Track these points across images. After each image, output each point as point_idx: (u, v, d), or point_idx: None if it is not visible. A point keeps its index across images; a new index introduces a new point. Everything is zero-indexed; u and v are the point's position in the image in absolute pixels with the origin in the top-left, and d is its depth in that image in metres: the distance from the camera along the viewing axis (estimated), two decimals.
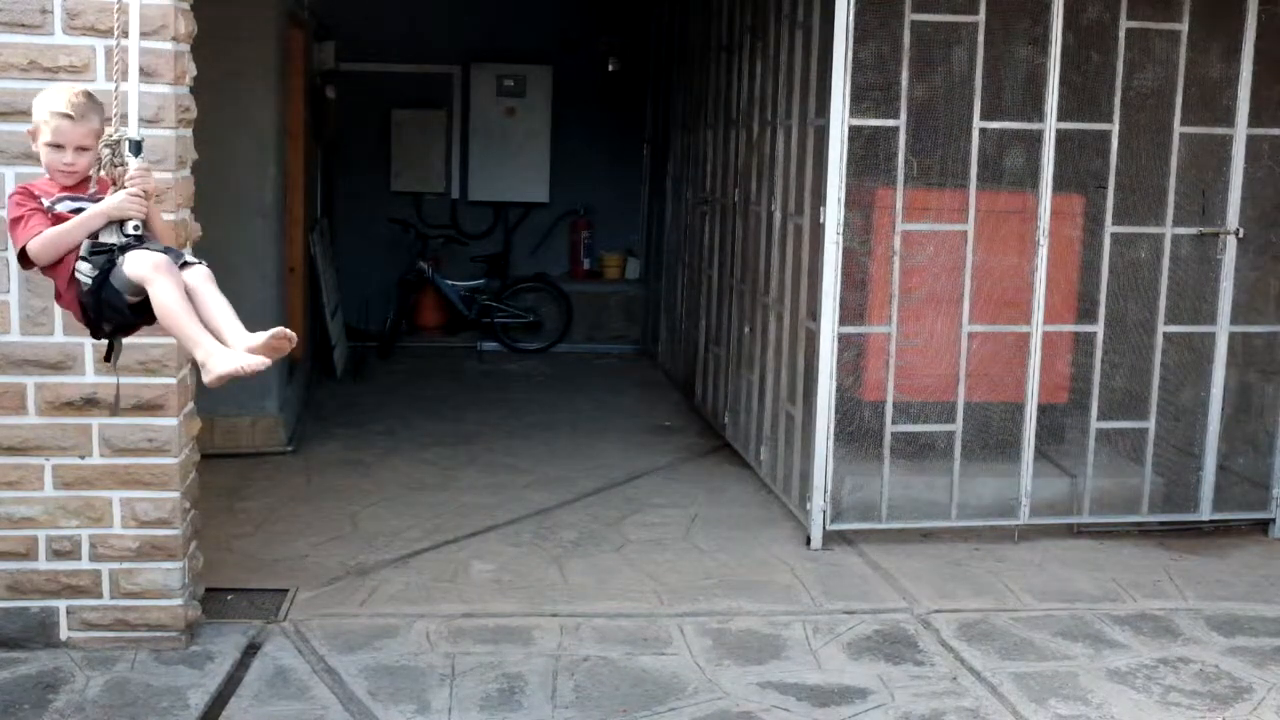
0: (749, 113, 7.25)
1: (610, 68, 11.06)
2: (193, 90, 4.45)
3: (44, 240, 3.19)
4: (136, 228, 3.19)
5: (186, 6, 4.33)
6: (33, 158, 4.13)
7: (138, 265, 3.12)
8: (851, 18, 5.44)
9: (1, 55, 4.14)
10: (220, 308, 3.19)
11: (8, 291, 4.27)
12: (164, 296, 3.10)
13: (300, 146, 7.88)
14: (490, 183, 11.17)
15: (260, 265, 7.05)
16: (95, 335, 3.34)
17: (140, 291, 3.15)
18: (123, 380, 4.27)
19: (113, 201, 3.18)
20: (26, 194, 3.25)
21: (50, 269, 3.26)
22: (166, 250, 3.23)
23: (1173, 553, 5.88)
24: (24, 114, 4.13)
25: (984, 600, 5.24)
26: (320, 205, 9.33)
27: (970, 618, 5.05)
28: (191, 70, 4.41)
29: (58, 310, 4.27)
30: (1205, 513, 6.10)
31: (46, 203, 3.23)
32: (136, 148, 3.23)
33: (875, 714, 4.22)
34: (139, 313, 3.22)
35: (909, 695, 4.36)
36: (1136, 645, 4.83)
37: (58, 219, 3.21)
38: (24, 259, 3.24)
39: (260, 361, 3.10)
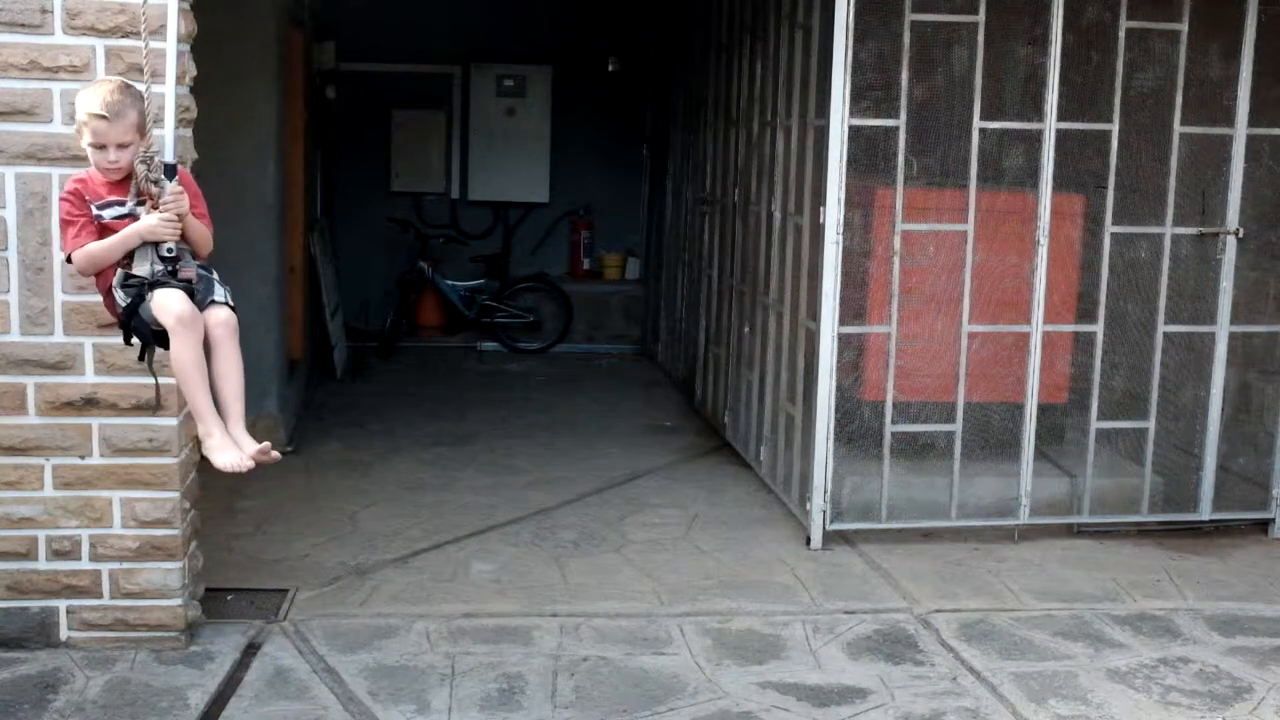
0: (749, 113, 7.25)
1: (610, 68, 11.05)
2: (193, 90, 4.45)
3: (86, 255, 3.34)
4: (170, 250, 3.31)
5: (186, 6, 4.33)
6: (33, 157, 4.19)
7: (163, 313, 3.27)
8: (851, 18, 5.44)
9: (1, 55, 4.14)
10: (232, 378, 3.37)
11: (8, 291, 4.27)
12: (181, 356, 3.28)
13: (300, 146, 7.88)
14: (490, 183, 11.17)
15: (260, 265, 7.05)
16: (127, 342, 3.48)
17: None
18: (123, 380, 4.29)
19: (148, 224, 3.29)
20: (77, 197, 3.34)
21: (96, 276, 3.41)
22: (201, 276, 3.36)
23: (1173, 553, 5.88)
24: (24, 114, 4.16)
25: (984, 600, 5.24)
26: (320, 205, 9.33)
27: (970, 618, 5.05)
28: (191, 70, 4.41)
29: (58, 310, 4.28)
30: (1205, 513, 6.10)
31: (95, 208, 3.33)
32: (171, 171, 3.32)
33: (875, 714, 4.22)
34: (162, 340, 3.36)
35: (909, 695, 4.36)
36: (1136, 645, 4.83)
37: (104, 228, 3.33)
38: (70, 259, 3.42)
39: (250, 465, 3.32)
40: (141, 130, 3.32)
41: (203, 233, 3.44)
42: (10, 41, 4.14)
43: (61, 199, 3.38)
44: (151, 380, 4.30)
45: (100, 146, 3.28)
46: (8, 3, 4.13)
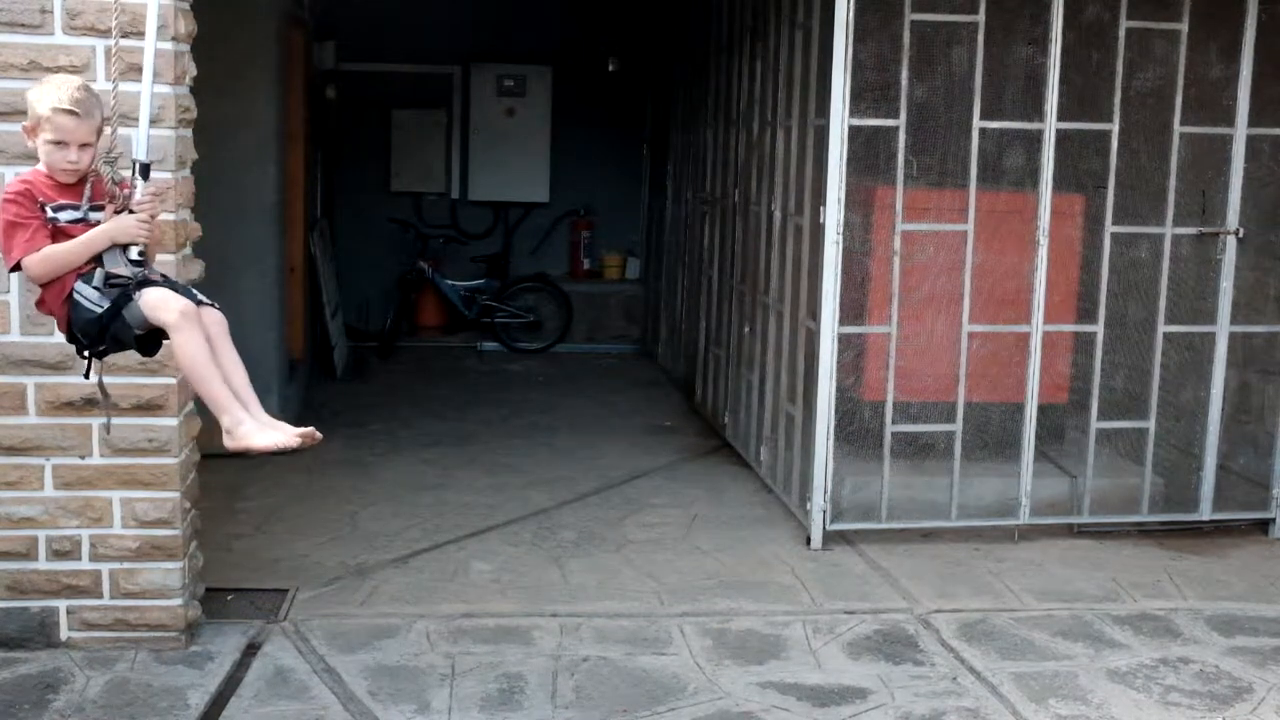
0: (749, 113, 7.25)
1: (610, 68, 11.05)
2: (193, 90, 4.45)
3: (45, 259, 3.14)
4: (141, 253, 3.19)
5: (186, 6, 4.33)
6: (33, 157, 4.13)
7: (162, 310, 3.12)
8: (851, 18, 5.44)
9: (1, 55, 4.14)
10: (238, 371, 3.24)
11: (8, 291, 4.27)
12: (191, 350, 3.14)
13: (300, 146, 7.88)
14: (490, 183, 11.17)
15: (260, 265, 7.05)
16: (80, 352, 3.30)
17: (149, 325, 3.16)
18: (123, 380, 4.27)
19: (120, 225, 3.16)
20: (28, 198, 3.17)
21: (45, 284, 3.21)
22: (174, 285, 3.24)
23: (1173, 553, 5.88)
24: (24, 114, 4.14)
25: (984, 600, 5.24)
26: (320, 205, 9.33)
27: (970, 618, 5.05)
28: (191, 70, 4.41)
29: None
30: (1205, 513, 6.10)
31: (50, 210, 3.18)
32: (145, 171, 3.20)
33: (875, 714, 4.22)
34: (144, 345, 3.24)
35: (909, 695, 4.36)
36: (1136, 645, 4.83)
37: (58, 232, 3.17)
38: (17, 267, 3.20)
39: (297, 443, 3.19)
40: (99, 133, 3.20)
41: (156, 245, 3.35)
42: (10, 41, 4.14)
43: (8, 201, 3.16)
44: (150, 381, 4.33)
45: (62, 145, 3.14)
46: (8, 3, 4.13)
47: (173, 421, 4.40)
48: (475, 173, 11.18)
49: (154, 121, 4.11)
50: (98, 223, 3.20)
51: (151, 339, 3.24)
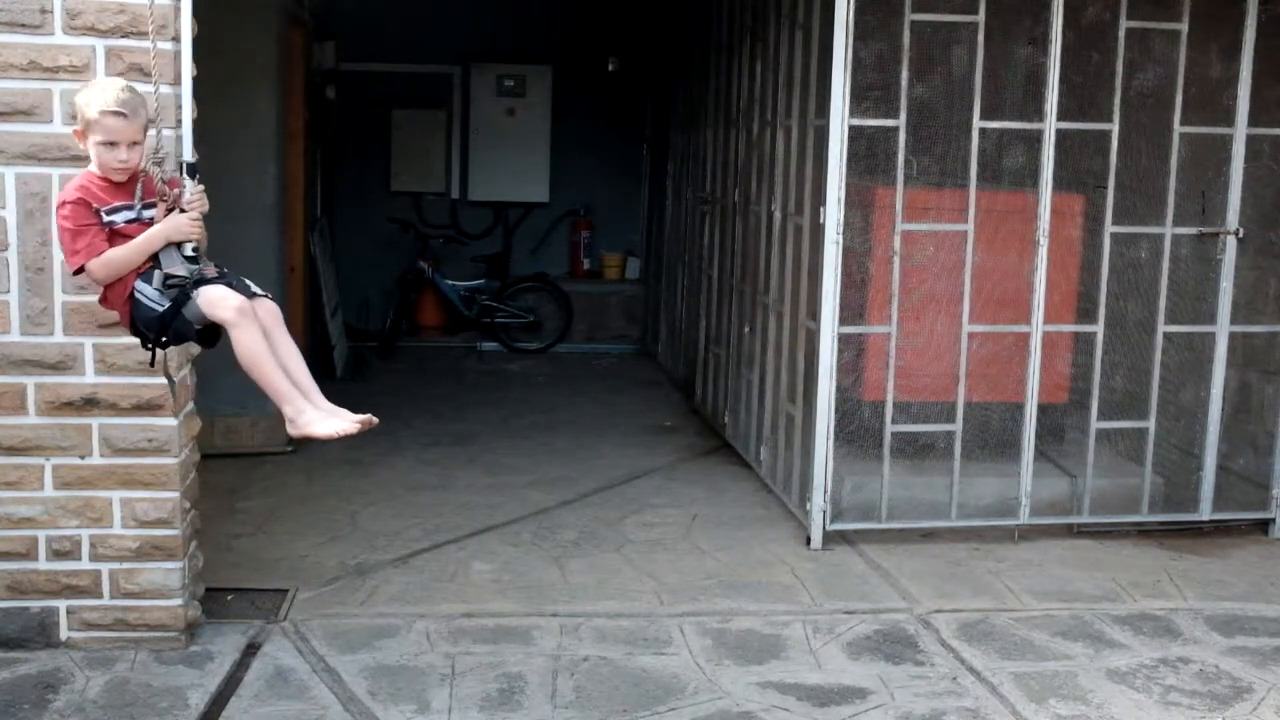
0: (749, 113, 7.25)
1: (610, 68, 11.06)
2: (193, 91, 4.44)
3: (105, 263, 3.31)
4: (195, 249, 3.33)
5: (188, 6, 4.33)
6: (33, 157, 4.17)
7: (218, 308, 3.28)
8: (851, 18, 5.44)
9: (1, 55, 4.14)
10: (295, 360, 3.39)
11: (8, 291, 4.27)
12: (248, 345, 3.29)
13: (300, 146, 7.87)
14: (490, 183, 11.17)
15: (260, 265, 7.02)
16: (144, 345, 3.46)
17: (207, 320, 3.32)
18: (124, 380, 4.29)
19: (174, 225, 3.32)
20: (84, 206, 3.31)
21: (107, 285, 3.37)
22: (230, 278, 3.38)
23: (1173, 553, 5.88)
24: (24, 114, 4.15)
25: (984, 600, 5.24)
26: (320, 205, 9.33)
27: (970, 618, 5.05)
28: (192, 70, 4.41)
29: (58, 310, 4.27)
30: (1205, 513, 6.10)
31: (105, 214, 3.31)
32: (192, 170, 3.37)
33: (875, 714, 4.22)
34: (204, 338, 3.40)
35: (909, 695, 4.36)
36: (1136, 645, 4.83)
37: (114, 234, 3.32)
38: (79, 270, 3.38)
39: (356, 429, 3.33)
40: (145, 131, 3.34)
41: (204, 238, 3.49)
42: (10, 41, 4.14)
43: (67, 207, 3.32)
44: (151, 381, 4.32)
45: (112, 145, 3.28)
46: (8, 3, 4.12)
47: (173, 422, 4.40)
48: (475, 173, 11.18)
49: (154, 121, 4.12)
50: (152, 220, 3.36)
51: (211, 332, 3.38)
